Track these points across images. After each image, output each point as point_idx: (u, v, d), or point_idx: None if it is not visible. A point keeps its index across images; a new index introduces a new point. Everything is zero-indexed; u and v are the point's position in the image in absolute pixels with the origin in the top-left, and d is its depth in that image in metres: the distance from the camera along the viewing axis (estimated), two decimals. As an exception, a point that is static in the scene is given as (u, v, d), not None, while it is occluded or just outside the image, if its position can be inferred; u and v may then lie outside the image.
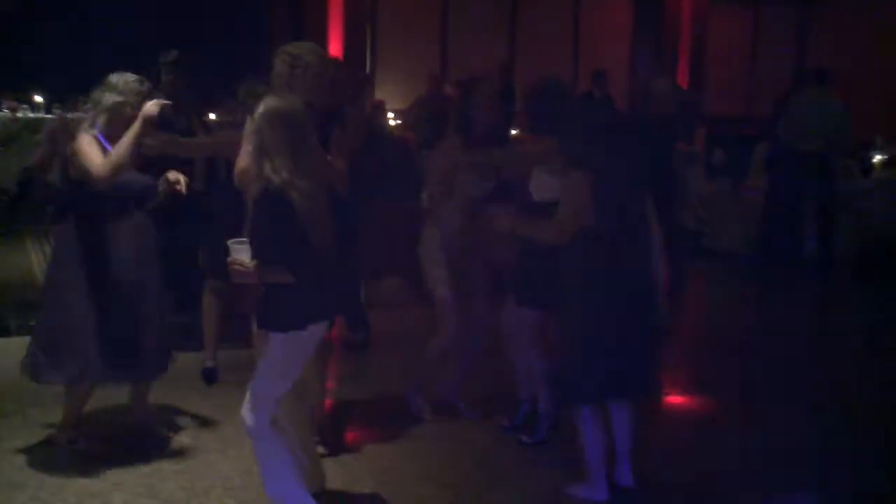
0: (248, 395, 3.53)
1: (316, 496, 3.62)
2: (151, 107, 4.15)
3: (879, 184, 9.34)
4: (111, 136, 4.15)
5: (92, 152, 4.06)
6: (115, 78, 4.19)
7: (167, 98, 4.41)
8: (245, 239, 3.38)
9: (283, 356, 3.49)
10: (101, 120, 4.16)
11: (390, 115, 10.28)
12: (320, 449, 4.21)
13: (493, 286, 4.87)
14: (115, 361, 4.19)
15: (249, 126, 3.75)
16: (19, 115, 9.52)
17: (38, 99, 9.87)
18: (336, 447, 4.40)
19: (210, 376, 5.31)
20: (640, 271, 3.91)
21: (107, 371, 4.18)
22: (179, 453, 4.33)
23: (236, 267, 3.36)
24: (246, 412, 3.52)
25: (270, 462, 3.51)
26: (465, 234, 4.69)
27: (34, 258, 8.02)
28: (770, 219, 8.63)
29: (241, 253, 3.35)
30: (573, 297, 3.90)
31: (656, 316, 3.95)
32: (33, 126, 9.43)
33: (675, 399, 5.37)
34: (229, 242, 3.38)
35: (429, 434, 4.67)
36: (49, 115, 9.62)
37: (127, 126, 4.12)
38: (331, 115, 4.22)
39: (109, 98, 4.16)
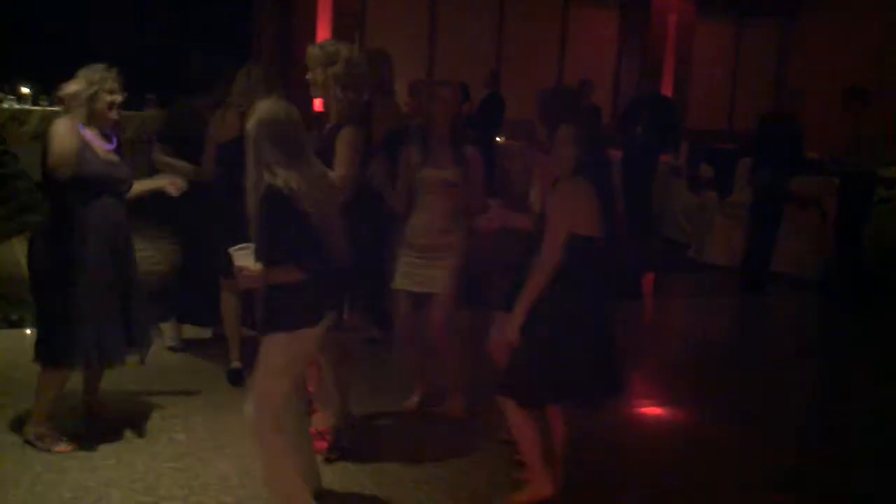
0: (251, 394, 3.53)
1: (313, 496, 3.63)
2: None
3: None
4: (91, 125, 4.20)
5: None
6: (83, 72, 4.18)
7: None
8: (246, 245, 3.39)
9: (288, 356, 3.48)
10: (82, 112, 4.16)
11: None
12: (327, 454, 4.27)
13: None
14: (117, 342, 4.25)
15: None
16: (5, 105, 9.38)
17: (25, 90, 9.74)
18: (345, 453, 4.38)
19: (236, 377, 5.19)
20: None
21: (111, 351, 4.24)
22: (176, 451, 4.31)
23: (245, 273, 3.38)
24: (250, 410, 3.51)
25: (274, 461, 3.50)
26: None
27: (18, 249, 7.91)
28: (756, 233, 8.72)
29: (244, 259, 3.36)
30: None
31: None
32: (19, 117, 9.32)
33: (650, 410, 5.43)
34: (231, 250, 3.39)
35: (426, 437, 4.69)
36: (35, 107, 9.50)
37: (104, 115, 4.20)
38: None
39: (85, 92, 4.15)
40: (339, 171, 4.14)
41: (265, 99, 3.58)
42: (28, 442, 4.21)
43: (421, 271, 4.76)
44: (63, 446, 4.21)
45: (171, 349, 5.73)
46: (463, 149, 4.75)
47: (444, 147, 4.72)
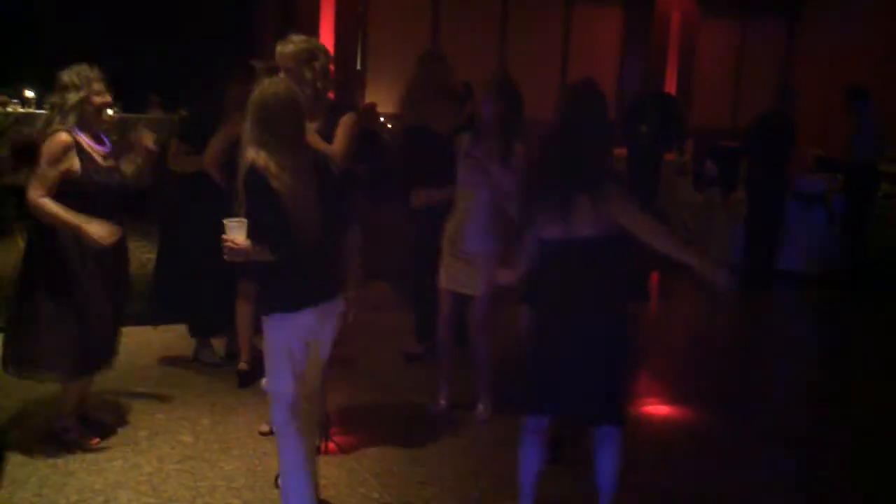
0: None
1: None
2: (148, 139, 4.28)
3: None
4: (84, 130, 4.14)
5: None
6: (67, 76, 4.11)
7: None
8: (241, 219, 3.40)
9: (276, 343, 3.48)
10: (71, 118, 4.08)
11: (381, 119, 10.24)
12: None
13: None
14: (107, 351, 4.29)
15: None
16: (9, 109, 9.42)
17: (30, 94, 9.78)
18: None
19: (244, 379, 5.20)
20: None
21: (104, 361, 4.27)
22: (183, 452, 4.32)
23: (228, 245, 3.37)
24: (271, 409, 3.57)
25: (286, 459, 3.53)
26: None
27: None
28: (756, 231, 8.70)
29: (235, 231, 3.38)
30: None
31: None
32: (24, 121, 9.35)
33: (655, 409, 5.43)
34: (225, 221, 3.39)
35: (432, 438, 4.68)
36: (40, 111, 9.52)
37: (96, 118, 4.17)
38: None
39: (74, 96, 4.08)
40: (336, 147, 4.18)
41: (267, 80, 3.56)
42: (53, 434, 4.24)
43: (463, 272, 4.78)
44: (92, 440, 4.27)
45: (214, 364, 5.59)
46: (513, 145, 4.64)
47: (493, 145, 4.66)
